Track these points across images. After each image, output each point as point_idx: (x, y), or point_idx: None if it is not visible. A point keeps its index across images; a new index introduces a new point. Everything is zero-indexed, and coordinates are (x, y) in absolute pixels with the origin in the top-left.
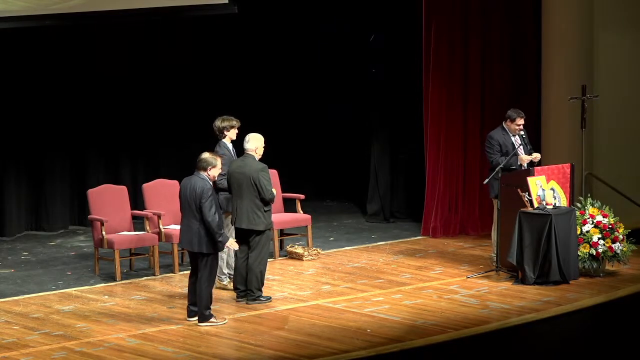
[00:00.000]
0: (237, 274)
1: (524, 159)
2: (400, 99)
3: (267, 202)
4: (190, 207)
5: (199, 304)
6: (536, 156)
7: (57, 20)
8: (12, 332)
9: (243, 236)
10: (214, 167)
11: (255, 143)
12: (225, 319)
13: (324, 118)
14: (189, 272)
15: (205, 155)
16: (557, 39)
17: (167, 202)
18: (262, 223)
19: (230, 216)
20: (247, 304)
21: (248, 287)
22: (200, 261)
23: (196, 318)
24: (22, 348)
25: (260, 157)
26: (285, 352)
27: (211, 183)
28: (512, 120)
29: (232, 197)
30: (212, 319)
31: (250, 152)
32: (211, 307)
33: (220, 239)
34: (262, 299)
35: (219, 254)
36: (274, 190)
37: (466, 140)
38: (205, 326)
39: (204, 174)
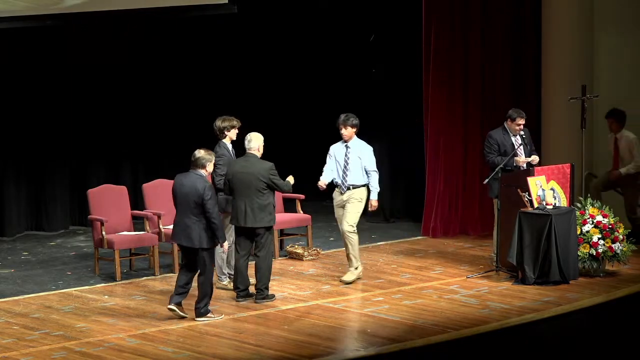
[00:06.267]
0: (237, 273)
1: (521, 160)
2: (400, 99)
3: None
4: (189, 204)
5: (199, 298)
6: (534, 159)
7: (58, 20)
8: (12, 332)
9: (247, 236)
10: (210, 162)
11: (257, 142)
12: (222, 315)
13: (324, 118)
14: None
15: (201, 152)
16: (557, 39)
17: (167, 202)
18: (272, 219)
19: (230, 217)
20: (255, 302)
21: (257, 286)
22: (200, 256)
23: (178, 308)
24: (22, 348)
25: (261, 155)
26: (285, 352)
27: (209, 180)
28: (513, 120)
29: (235, 196)
30: (210, 314)
31: (252, 152)
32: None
33: (222, 238)
34: (270, 297)
35: (219, 253)
36: (289, 179)
37: (466, 140)
38: (202, 321)
39: (201, 171)
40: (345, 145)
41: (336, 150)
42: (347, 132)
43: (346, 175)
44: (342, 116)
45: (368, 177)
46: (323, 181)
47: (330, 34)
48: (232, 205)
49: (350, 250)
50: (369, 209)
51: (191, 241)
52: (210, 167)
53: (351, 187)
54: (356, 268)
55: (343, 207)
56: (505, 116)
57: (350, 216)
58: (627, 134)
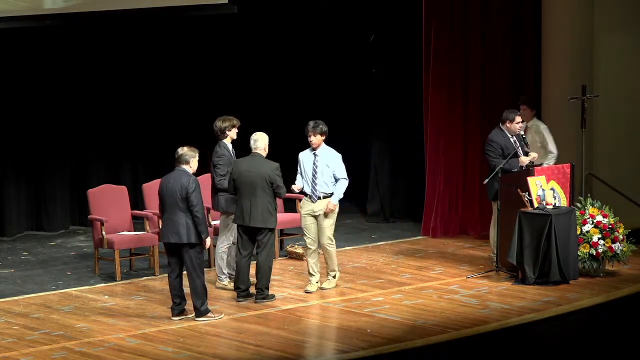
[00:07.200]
0: (239, 273)
1: (524, 160)
2: (400, 99)
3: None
4: (175, 200)
5: (194, 299)
6: (534, 156)
7: (57, 20)
8: (12, 332)
9: (250, 235)
10: (194, 159)
11: (263, 142)
12: (222, 314)
13: (324, 118)
14: (184, 272)
15: (184, 149)
16: (557, 39)
17: None
18: (275, 221)
19: (233, 216)
20: (256, 302)
21: (258, 286)
22: (187, 252)
23: (182, 315)
24: (22, 348)
25: (266, 155)
26: (285, 352)
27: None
28: (512, 121)
29: (241, 196)
30: (210, 314)
31: (259, 151)
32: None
33: (204, 233)
34: (270, 297)
35: (219, 253)
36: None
37: (466, 140)
38: (203, 321)
39: (185, 167)
40: (314, 154)
41: (304, 158)
42: (316, 139)
43: (315, 185)
44: (311, 123)
45: (336, 183)
46: (297, 185)
47: (330, 34)
48: (236, 205)
49: (328, 260)
50: (325, 209)
51: (179, 237)
52: (194, 163)
53: (322, 195)
54: (334, 277)
55: (314, 216)
56: (501, 119)
57: (328, 230)
58: (538, 124)
